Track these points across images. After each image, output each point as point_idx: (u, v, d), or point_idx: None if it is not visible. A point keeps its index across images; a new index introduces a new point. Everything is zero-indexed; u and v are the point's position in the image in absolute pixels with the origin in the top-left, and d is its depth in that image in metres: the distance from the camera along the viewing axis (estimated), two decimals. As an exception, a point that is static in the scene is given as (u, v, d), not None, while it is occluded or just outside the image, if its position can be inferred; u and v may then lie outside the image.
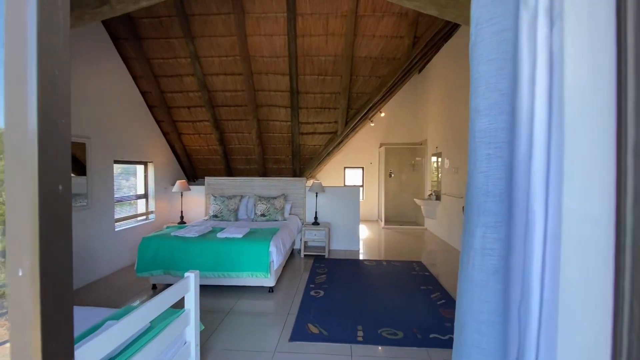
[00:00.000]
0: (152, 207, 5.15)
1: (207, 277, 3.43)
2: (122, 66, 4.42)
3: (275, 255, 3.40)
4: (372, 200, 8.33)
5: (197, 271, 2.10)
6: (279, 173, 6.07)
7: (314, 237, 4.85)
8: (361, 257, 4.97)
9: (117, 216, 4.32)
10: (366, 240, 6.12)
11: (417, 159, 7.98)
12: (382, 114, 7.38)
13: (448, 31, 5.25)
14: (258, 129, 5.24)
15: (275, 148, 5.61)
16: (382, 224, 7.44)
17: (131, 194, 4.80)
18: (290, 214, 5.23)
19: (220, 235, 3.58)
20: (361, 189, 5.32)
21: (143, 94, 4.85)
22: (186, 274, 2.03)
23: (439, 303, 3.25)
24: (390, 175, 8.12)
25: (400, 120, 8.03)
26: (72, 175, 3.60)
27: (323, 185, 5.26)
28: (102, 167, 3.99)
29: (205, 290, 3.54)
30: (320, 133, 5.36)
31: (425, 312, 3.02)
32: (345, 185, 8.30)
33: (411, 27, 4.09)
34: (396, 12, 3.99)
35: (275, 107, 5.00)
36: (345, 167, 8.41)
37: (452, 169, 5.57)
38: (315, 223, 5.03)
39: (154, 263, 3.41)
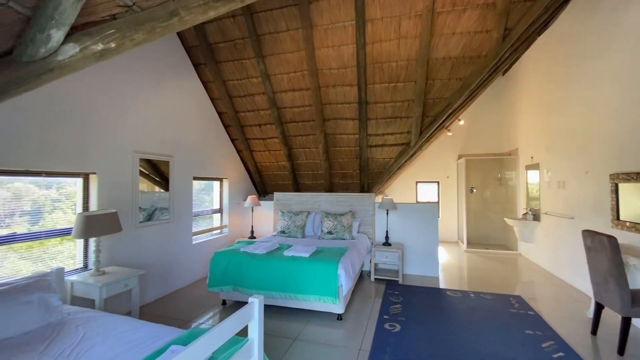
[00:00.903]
0: (225, 222, 5.35)
1: (274, 298, 3.28)
2: (201, 89, 4.77)
3: (344, 279, 3.08)
4: (449, 219, 7.45)
5: (262, 297, 1.91)
6: (346, 188, 5.81)
7: (385, 259, 4.39)
8: (441, 285, 4.31)
9: (194, 230, 4.55)
10: (446, 265, 5.38)
11: (505, 172, 6.91)
12: (461, 122, 6.62)
13: (544, 21, 4.46)
14: (325, 144, 5.10)
15: (342, 162, 5.39)
16: (464, 246, 6.52)
17: (207, 208, 5.05)
18: (358, 232, 4.88)
19: (286, 253, 3.42)
20: (436, 203, 4.75)
21: (220, 114, 5.16)
22: (250, 299, 1.85)
23: (555, 356, 2.50)
24: (471, 191, 7.17)
25: (482, 128, 7.11)
26: (160, 190, 3.88)
27: (394, 201, 4.80)
28: (183, 183, 4.26)
29: (272, 311, 3.40)
30: (391, 145, 4.97)
31: (539, 369, 2.33)
32: (417, 202, 7.62)
33: (501, 18, 3.51)
34: (481, 3, 3.48)
35: (343, 120, 4.81)
36: (417, 182, 7.75)
37: (555, 183, 4.58)
38: (387, 243, 4.57)
39: (224, 279, 3.40)
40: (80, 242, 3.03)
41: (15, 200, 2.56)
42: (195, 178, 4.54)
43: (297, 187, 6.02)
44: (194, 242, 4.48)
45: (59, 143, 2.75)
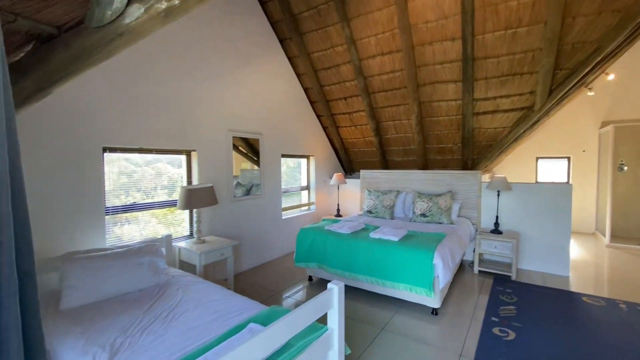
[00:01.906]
0: (312, 199, 5.36)
1: (360, 281, 3.06)
2: (288, 66, 4.71)
3: (442, 270, 2.62)
4: (582, 204, 5.86)
5: (342, 283, 1.68)
6: (444, 165, 5.06)
7: (494, 249, 3.66)
8: (573, 287, 3.37)
9: (283, 205, 4.66)
10: (579, 262, 4.22)
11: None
12: (610, 76, 4.94)
13: None
14: (419, 114, 4.47)
15: (440, 135, 4.67)
16: (606, 240, 5.04)
17: (296, 185, 5.12)
18: (458, 216, 4.20)
19: (373, 235, 3.13)
20: (570, 185, 3.61)
21: (305, 90, 5.06)
22: (329, 285, 1.65)
23: None
24: (620, 169, 5.42)
25: (645, 83, 5.18)
26: (255, 167, 4.06)
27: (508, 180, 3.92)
28: (272, 160, 4.36)
29: (357, 293, 3.20)
30: (505, 110, 4.01)
31: None
32: (537, 182, 6.22)
33: None
34: None
35: (442, 84, 4.08)
36: (538, 158, 6.29)
37: None
38: (496, 231, 3.80)
39: (309, 255, 3.35)
40: (187, 213, 3.38)
41: (157, 177, 3.11)
42: (283, 155, 4.60)
43: (386, 164, 5.57)
44: (283, 217, 4.60)
45: (166, 125, 3.03)
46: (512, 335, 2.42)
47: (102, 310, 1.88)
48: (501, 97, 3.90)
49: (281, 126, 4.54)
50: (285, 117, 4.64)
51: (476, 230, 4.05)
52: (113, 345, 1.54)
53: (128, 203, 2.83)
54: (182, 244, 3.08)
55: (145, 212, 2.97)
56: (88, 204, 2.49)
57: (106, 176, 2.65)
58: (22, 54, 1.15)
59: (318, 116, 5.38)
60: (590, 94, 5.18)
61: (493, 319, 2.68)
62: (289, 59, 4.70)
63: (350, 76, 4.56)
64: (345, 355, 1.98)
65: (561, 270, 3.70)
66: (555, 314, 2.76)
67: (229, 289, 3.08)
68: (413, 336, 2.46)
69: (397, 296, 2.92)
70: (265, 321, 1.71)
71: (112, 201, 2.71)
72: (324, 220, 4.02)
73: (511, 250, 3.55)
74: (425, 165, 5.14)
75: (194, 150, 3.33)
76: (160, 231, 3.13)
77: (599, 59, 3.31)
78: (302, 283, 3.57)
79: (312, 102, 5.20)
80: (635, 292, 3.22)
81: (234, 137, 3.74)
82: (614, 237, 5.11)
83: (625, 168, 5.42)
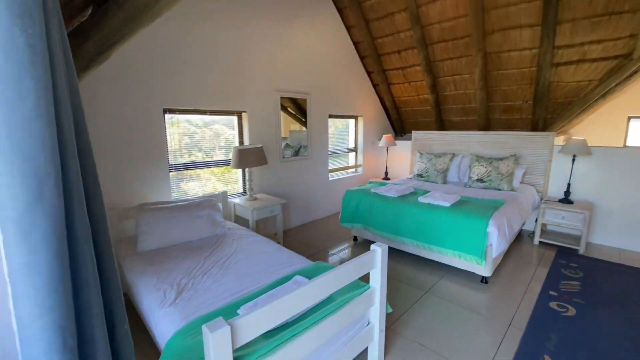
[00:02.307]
0: (360, 161, 5.28)
1: (405, 244, 3.04)
2: (337, 18, 4.42)
3: (496, 239, 2.46)
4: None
5: (385, 246, 1.68)
6: (509, 126, 4.53)
7: (561, 220, 3.30)
8: (658, 267, 2.94)
9: (330, 167, 4.68)
10: (669, 239, 3.63)
11: None
12: None
13: None
14: (483, 67, 3.95)
15: (507, 91, 4.11)
16: None
17: (343, 147, 5.05)
18: (521, 182, 3.82)
19: (422, 199, 3.01)
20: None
21: (355, 45, 4.75)
22: (372, 247, 1.65)
23: None
24: None
25: None
26: (302, 128, 4.07)
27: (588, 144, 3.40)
28: (319, 121, 4.31)
29: (402, 255, 3.20)
30: (594, 60, 3.34)
31: None
32: (625, 146, 5.31)
33: None
34: None
35: (515, 30, 3.50)
36: (631, 117, 5.29)
37: None
38: (566, 200, 3.40)
39: (355, 217, 3.38)
40: (240, 171, 3.57)
41: (215, 138, 3.31)
42: (330, 116, 4.51)
43: (442, 125, 5.16)
44: (330, 179, 4.64)
45: (218, 86, 3.11)
46: (572, 312, 2.24)
47: (170, 254, 2.15)
48: (590, 42, 3.24)
49: (329, 85, 4.39)
50: (334, 76, 4.46)
51: (541, 199, 3.66)
52: (179, 284, 1.76)
53: (188, 162, 3.07)
54: (237, 200, 3.31)
55: (205, 170, 3.21)
56: (154, 161, 2.75)
57: (169, 137, 2.87)
58: (83, 19, 1.23)
59: (368, 73, 5.08)
60: None
61: (552, 292, 2.50)
62: (339, 10, 4.38)
63: (405, 26, 4.14)
64: (387, 314, 2.03)
65: (644, 247, 3.24)
66: (629, 293, 2.47)
67: (278, 243, 3.31)
68: (459, 302, 2.42)
69: (444, 262, 2.85)
70: (310, 275, 1.80)
71: (176, 159, 2.96)
72: (370, 182, 3.97)
73: (582, 222, 3.17)
74: (486, 126, 4.66)
75: (244, 112, 3.42)
76: (219, 188, 3.39)
77: None
78: (347, 242, 3.66)
79: (362, 58, 4.90)
80: None
81: (281, 97, 3.73)
82: None
83: None
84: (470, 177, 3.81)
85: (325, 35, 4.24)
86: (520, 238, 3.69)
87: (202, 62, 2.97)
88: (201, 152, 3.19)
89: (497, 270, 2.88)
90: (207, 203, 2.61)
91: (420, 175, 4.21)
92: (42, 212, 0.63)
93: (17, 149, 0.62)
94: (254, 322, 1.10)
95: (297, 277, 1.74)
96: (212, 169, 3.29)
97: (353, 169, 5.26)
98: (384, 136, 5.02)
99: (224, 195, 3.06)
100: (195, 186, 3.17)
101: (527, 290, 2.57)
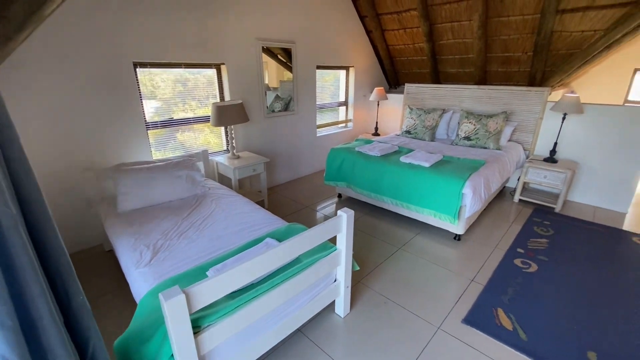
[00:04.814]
0: (350, 115, 5.14)
1: (385, 202, 3.11)
2: (326, -48, 3.93)
3: (471, 200, 2.51)
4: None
5: (352, 211, 1.73)
6: (507, 79, 4.31)
7: (543, 179, 3.33)
8: (627, 226, 3.05)
9: (319, 122, 4.57)
10: (647, 197, 3.71)
11: None
12: None
13: None
14: (484, 13, 3.62)
15: (508, 40, 3.83)
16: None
17: (332, 101, 4.88)
18: (510, 140, 3.77)
19: (403, 159, 3.00)
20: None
21: (348, -16, 4.30)
22: (339, 213, 1.70)
23: None
24: None
25: None
26: (286, 79, 3.88)
27: (581, 101, 3.28)
28: (306, 73, 4.09)
29: (381, 213, 3.30)
30: (603, 7, 3.05)
31: None
32: (627, 102, 5.12)
33: None
34: None
35: (521, -30, 3.14)
36: (637, 70, 5.01)
37: None
38: (551, 159, 3.39)
39: (338, 175, 3.41)
40: (222, 128, 3.50)
41: (191, 90, 3.12)
42: (318, 67, 4.27)
43: (437, 78, 4.92)
44: (318, 135, 4.57)
45: (192, 36, 2.89)
46: (533, 268, 2.39)
47: (150, 215, 2.21)
48: (602, -15, 2.92)
49: (318, 32, 4.08)
50: (323, 21, 4.11)
51: (527, 157, 3.65)
52: (155, 245, 1.84)
53: (167, 119, 2.99)
54: (220, 158, 3.30)
55: (186, 127, 3.14)
56: (130, 119, 2.68)
57: (143, 92, 2.76)
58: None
59: (361, 18, 4.68)
60: None
61: (519, 250, 2.63)
62: (328, -59, 3.88)
63: (401, -37, 3.70)
64: (355, 271, 2.17)
65: (619, 205, 3.32)
66: (595, 251, 2.60)
67: (262, 200, 3.38)
68: (430, 258, 2.56)
69: (420, 219, 2.95)
70: (281, 237, 1.88)
71: (154, 118, 2.88)
72: (356, 140, 3.91)
73: (562, 181, 3.20)
74: (483, 80, 4.44)
75: (223, 64, 3.23)
76: (205, 146, 3.36)
77: None
78: (331, 199, 3.74)
79: (354, 0, 4.47)
80: None
81: (263, 47, 3.49)
82: None
83: None
84: (457, 135, 3.74)
85: (312, -27, 3.81)
86: (503, 195, 3.77)
87: (172, 9, 2.71)
88: (183, 108, 3.08)
89: (472, 228, 2.99)
90: (186, 163, 2.61)
91: (408, 132, 4.13)
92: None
93: None
94: (210, 289, 1.18)
95: (268, 240, 1.81)
96: (197, 125, 3.22)
97: (343, 124, 5.15)
98: (376, 89, 4.82)
99: (204, 153, 3.05)
100: (178, 144, 3.13)
101: (497, 247, 2.70)
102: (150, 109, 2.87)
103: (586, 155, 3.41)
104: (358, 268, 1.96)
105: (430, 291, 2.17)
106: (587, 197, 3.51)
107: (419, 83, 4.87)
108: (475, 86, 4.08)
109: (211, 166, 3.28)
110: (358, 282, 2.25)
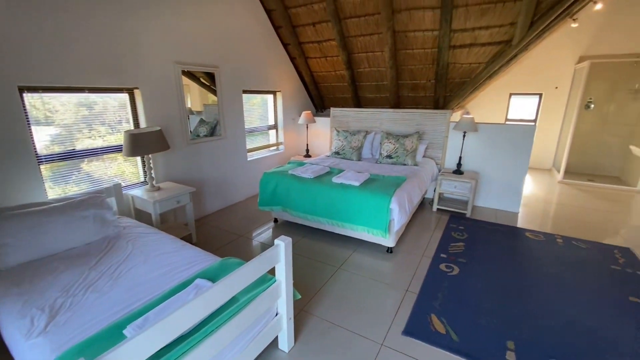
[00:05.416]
0: (281, 139, 5.16)
1: (321, 223, 3.13)
2: (246, -19, 4.00)
3: (398, 214, 2.70)
4: (546, 141, 6.05)
5: (289, 239, 1.67)
6: (416, 103, 4.89)
7: (454, 189, 3.79)
8: (520, 223, 3.64)
9: (249, 146, 4.47)
10: (530, 199, 4.51)
11: (650, 79, 4.96)
12: (598, 5, 4.61)
13: None
14: (393, 45, 4.09)
15: (414, 70, 4.38)
16: (559, 176, 5.36)
17: (262, 124, 4.84)
18: (424, 156, 4.23)
19: (335, 179, 3.10)
20: (534, 125, 3.63)
21: (269, 13, 4.42)
22: (276, 242, 1.64)
23: (672, 339, 1.90)
24: (587, 106, 5.48)
25: (631, 13, 4.92)
26: (210, 103, 3.72)
27: (475, 121, 3.88)
28: (232, 97, 4.00)
29: (319, 234, 3.32)
30: (483, 44, 3.73)
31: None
32: (507, 121, 6.26)
33: None
34: None
35: (419, 11, 3.65)
36: (512, 94, 6.20)
37: None
38: (458, 172, 3.89)
39: (273, 200, 3.34)
40: (138, 159, 3.15)
41: (98, 115, 2.74)
42: (245, 91, 4.22)
43: (358, 102, 5.31)
44: (249, 159, 4.45)
45: (99, 59, 2.58)
46: (456, 270, 2.64)
47: (44, 268, 1.81)
48: (480, 28, 3.58)
49: (242, 57, 4.06)
50: (247, 47, 4.12)
51: (439, 171, 4.13)
52: (53, 306, 1.50)
53: (67, 150, 2.56)
54: (136, 191, 2.94)
55: (94, 159, 2.73)
56: (14, 153, 2.22)
57: (33, 121, 2.32)
58: None
59: (285, 45, 4.84)
60: (574, 25, 4.88)
61: (442, 255, 2.90)
62: (247, -28, 3.96)
63: (318, -3, 3.97)
64: (297, 300, 2.10)
65: (512, 206, 3.96)
66: (499, 248, 3.01)
67: (189, 234, 3.10)
68: (367, 273, 2.64)
69: (355, 236, 3.05)
70: (214, 275, 1.72)
71: (50, 149, 2.44)
72: (289, 162, 3.92)
73: (469, 190, 3.69)
74: (397, 104, 4.95)
75: (137, 88, 2.94)
76: (117, 179, 2.95)
77: (587, -15, 2.99)
78: (267, 224, 3.63)
79: (276, 28, 4.61)
80: (574, 227, 3.54)
81: (183, 71, 3.32)
82: (568, 173, 5.44)
83: (592, 106, 5.49)
84: (381, 154, 4.05)
85: (234, 3, 3.81)
86: (423, 206, 4.16)
87: (66, 27, 2.39)
88: (88, 137, 2.68)
89: (401, 239, 3.21)
90: (92, 200, 2.25)
91: (337, 153, 4.32)
92: None
93: None
94: (129, 353, 0.99)
95: (198, 281, 1.63)
96: (107, 155, 2.82)
97: (274, 147, 5.13)
98: (303, 113, 4.96)
99: (117, 187, 2.68)
100: (84, 179, 2.69)
101: (424, 254, 2.93)
102: (45, 138, 2.42)
103: (484, 166, 4.02)
104: (299, 297, 1.90)
105: (370, 307, 2.22)
106: (489, 202, 4.10)
107: (342, 107, 5.18)
108: (392, 110, 4.51)
109: (126, 201, 2.90)
110: (300, 311, 2.18)
